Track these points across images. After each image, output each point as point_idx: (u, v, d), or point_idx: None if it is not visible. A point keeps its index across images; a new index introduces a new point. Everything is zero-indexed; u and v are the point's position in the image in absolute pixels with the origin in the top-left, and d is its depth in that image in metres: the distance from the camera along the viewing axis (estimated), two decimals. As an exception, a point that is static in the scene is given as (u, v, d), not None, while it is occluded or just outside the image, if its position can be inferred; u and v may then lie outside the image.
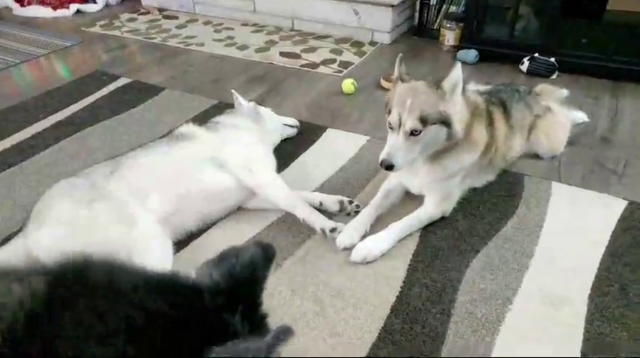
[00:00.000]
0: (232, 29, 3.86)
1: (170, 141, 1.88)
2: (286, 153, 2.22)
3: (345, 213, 1.85)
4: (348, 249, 1.67)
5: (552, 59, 2.92)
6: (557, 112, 2.19)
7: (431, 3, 3.56)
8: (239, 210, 1.89)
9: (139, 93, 2.83)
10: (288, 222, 1.82)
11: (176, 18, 4.15)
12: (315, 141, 2.34)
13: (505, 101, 1.97)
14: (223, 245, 1.76)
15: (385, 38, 3.53)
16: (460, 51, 3.21)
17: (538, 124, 2.12)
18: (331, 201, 1.87)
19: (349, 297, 1.51)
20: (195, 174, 1.77)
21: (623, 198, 1.91)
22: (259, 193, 1.83)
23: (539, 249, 1.68)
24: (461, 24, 3.27)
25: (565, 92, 2.38)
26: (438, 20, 3.56)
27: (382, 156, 1.60)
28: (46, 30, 3.88)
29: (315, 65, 3.20)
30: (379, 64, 3.20)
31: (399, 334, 1.38)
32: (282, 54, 3.38)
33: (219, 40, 3.64)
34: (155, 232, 1.56)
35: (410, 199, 1.90)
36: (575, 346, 1.36)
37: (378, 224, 1.78)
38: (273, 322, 0.64)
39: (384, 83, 2.85)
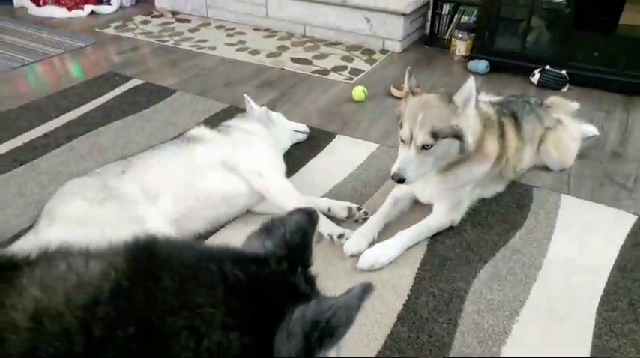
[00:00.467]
0: (244, 34, 3.89)
1: (181, 143, 1.89)
2: (296, 158, 2.23)
3: (353, 220, 1.86)
4: (356, 256, 1.67)
5: (563, 72, 2.92)
6: (568, 125, 2.19)
7: (443, 13, 3.58)
8: (247, 213, 1.90)
9: (150, 95, 2.86)
10: (296, 227, 1.82)
11: (189, 21, 4.19)
12: (324, 148, 2.34)
13: (516, 113, 1.97)
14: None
15: (396, 46, 3.55)
16: (471, 61, 3.22)
17: (548, 136, 2.11)
18: (340, 208, 1.87)
19: (356, 304, 1.50)
20: (206, 176, 1.78)
21: (633, 213, 1.90)
22: (268, 197, 1.84)
23: (547, 262, 1.68)
24: (472, 34, 3.28)
25: (576, 105, 2.38)
26: (450, 30, 3.57)
27: (394, 169, 1.61)
28: (61, 30, 3.92)
29: (326, 72, 3.21)
30: (390, 72, 3.21)
31: (405, 342, 1.38)
32: (293, 60, 3.40)
33: (231, 45, 3.67)
34: (164, 233, 1.57)
35: (418, 208, 1.90)
36: (583, 360, 1.35)
37: (386, 232, 1.78)
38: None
39: (394, 91, 2.86)
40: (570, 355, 1.36)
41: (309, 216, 0.67)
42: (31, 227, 1.61)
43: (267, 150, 2.01)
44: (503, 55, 3.14)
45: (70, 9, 4.27)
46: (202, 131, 1.97)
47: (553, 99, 2.31)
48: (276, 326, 0.51)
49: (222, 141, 1.92)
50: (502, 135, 1.80)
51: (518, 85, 3.00)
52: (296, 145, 2.33)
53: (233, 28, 4.01)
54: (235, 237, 1.81)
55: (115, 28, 4.01)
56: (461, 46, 3.35)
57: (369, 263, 1.63)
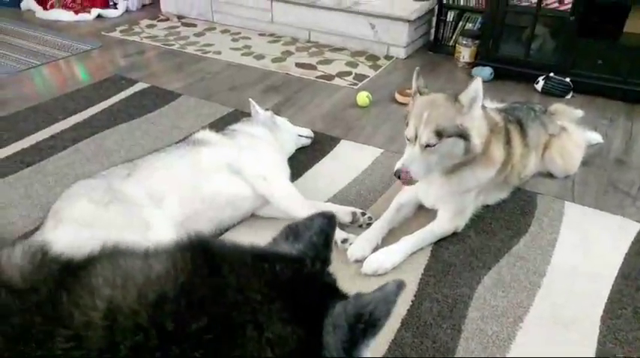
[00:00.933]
0: (249, 39, 3.91)
1: (186, 147, 1.90)
2: (300, 163, 2.24)
3: (357, 225, 1.86)
4: (360, 261, 1.67)
5: (567, 79, 2.93)
6: (572, 132, 2.19)
7: (447, 19, 3.60)
8: (252, 217, 1.90)
9: (156, 98, 2.87)
10: (301, 231, 1.82)
11: (194, 26, 4.21)
12: (328, 152, 2.35)
13: (521, 119, 1.98)
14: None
15: (401, 53, 3.56)
16: (475, 68, 3.23)
17: (553, 144, 2.12)
18: (344, 212, 1.88)
19: (360, 309, 1.51)
20: (211, 180, 1.79)
21: (637, 221, 1.90)
22: (273, 201, 1.84)
23: (551, 268, 1.68)
24: (476, 41, 3.29)
25: (580, 112, 2.38)
26: (454, 37, 3.58)
27: (397, 165, 1.62)
28: (67, 33, 3.95)
29: (330, 77, 3.23)
30: (394, 78, 3.22)
31: (409, 348, 1.38)
32: (298, 65, 3.41)
33: (237, 49, 3.69)
34: (169, 236, 1.58)
35: (422, 213, 1.90)
36: (587, 368, 1.35)
37: (389, 237, 1.79)
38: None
39: (398, 97, 2.87)
40: (574, 362, 1.36)
41: (329, 220, 0.72)
42: (37, 228, 1.62)
43: (272, 154, 2.02)
44: (507, 62, 3.15)
45: (76, 12, 4.31)
46: (208, 135, 1.98)
47: (557, 106, 2.31)
48: (322, 320, 0.55)
49: (228, 145, 1.93)
50: (508, 141, 1.81)
51: (522, 92, 3.00)
52: (300, 150, 2.34)
53: (238, 33, 4.03)
54: (239, 241, 1.81)
55: (121, 31, 4.04)
56: (465, 53, 3.37)
57: (373, 268, 1.63)
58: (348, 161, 2.28)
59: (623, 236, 1.83)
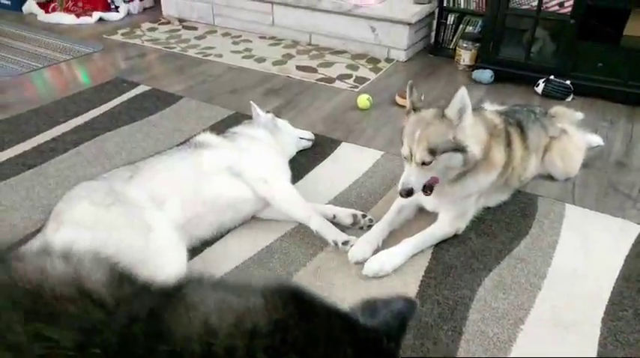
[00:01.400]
0: (250, 41, 3.92)
1: (188, 149, 1.91)
2: (301, 165, 2.24)
3: (358, 227, 1.86)
4: (361, 263, 1.67)
5: (568, 82, 2.93)
6: (573, 135, 2.19)
7: (448, 22, 3.60)
8: (253, 219, 1.91)
9: (157, 101, 2.88)
10: (301, 233, 1.83)
11: (195, 29, 4.23)
12: (329, 155, 2.36)
13: (522, 122, 1.98)
14: (236, 253, 1.78)
15: (401, 55, 3.57)
16: (475, 71, 3.23)
17: (553, 146, 2.12)
18: (345, 215, 1.88)
19: (360, 311, 1.51)
20: (212, 182, 1.79)
21: (638, 223, 1.90)
22: (274, 204, 1.85)
23: (552, 271, 1.68)
24: (477, 44, 3.30)
25: (580, 115, 2.39)
26: (454, 39, 3.59)
27: (400, 186, 1.64)
28: (69, 36, 3.97)
29: (331, 80, 3.23)
30: (395, 81, 3.23)
31: (409, 349, 1.38)
32: (298, 67, 3.42)
33: (238, 52, 3.70)
34: (170, 238, 1.58)
35: (423, 215, 1.90)
36: (588, 370, 1.35)
37: (390, 239, 1.79)
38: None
39: (399, 100, 2.88)
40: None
41: (410, 305, 0.73)
42: (38, 230, 1.62)
43: (273, 156, 2.02)
44: (507, 64, 3.15)
45: (78, 15, 4.32)
46: (209, 137, 1.99)
47: (557, 109, 2.32)
48: None
49: (229, 148, 1.94)
50: (508, 144, 1.81)
51: (522, 95, 3.01)
52: (301, 152, 2.34)
53: (239, 36, 4.05)
54: (240, 243, 1.82)
55: (123, 34, 4.05)
56: (465, 56, 3.37)
57: (374, 270, 1.63)
58: (349, 163, 2.29)
59: (623, 238, 1.83)
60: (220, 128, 2.35)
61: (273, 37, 4.01)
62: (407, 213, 1.90)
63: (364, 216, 1.88)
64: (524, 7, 3.00)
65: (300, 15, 3.84)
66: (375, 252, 1.71)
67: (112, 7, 4.49)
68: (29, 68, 3.33)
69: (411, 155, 1.61)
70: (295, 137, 2.31)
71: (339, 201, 2.02)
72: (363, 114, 2.78)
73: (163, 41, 3.92)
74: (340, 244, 1.73)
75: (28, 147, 2.37)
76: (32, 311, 0.53)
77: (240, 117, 2.63)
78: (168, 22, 4.38)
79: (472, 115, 1.61)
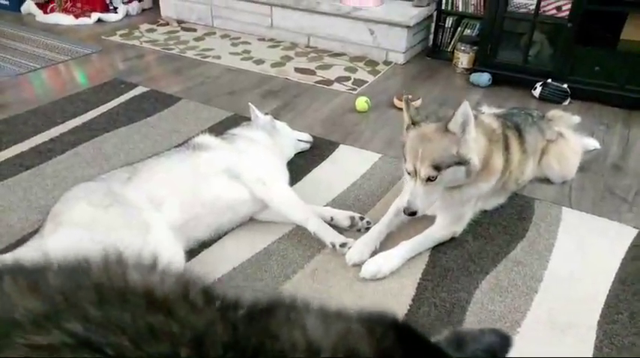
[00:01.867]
0: (249, 43, 3.93)
1: (186, 151, 1.91)
2: (299, 167, 2.25)
3: (355, 229, 1.87)
4: (358, 266, 1.68)
5: (565, 85, 2.95)
6: (569, 138, 2.20)
7: (446, 25, 3.62)
8: (251, 221, 1.91)
9: (155, 102, 2.88)
10: (299, 235, 1.83)
11: (194, 30, 4.23)
12: (327, 157, 2.36)
13: (519, 125, 1.99)
14: (234, 255, 1.78)
15: (399, 58, 3.58)
16: (473, 74, 3.24)
17: (550, 149, 2.13)
18: (342, 217, 1.88)
19: (358, 313, 1.51)
20: (210, 184, 1.79)
21: (634, 227, 1.91)
22: (272, 206, 1.85)
23: (549, 274, 1.69)
24: (475, 47, 3.31)
25: (577, 119, 2.40)
26: (452, 42, 3.61)
27: (404, 203, 1.64)
28: (67, 37, 3.97)
29: (329, 82, 3.24)
30: (393, 84, 3.24)
31: (406, 352, 1.38)
32: (297, 70, 3.43)
33: (236, 54, 3.71)
34: (168, 240, 1.59)
35: (421, 218, 1.91)
36: (584, 372, 1.35)
37: (388, 241, 1.79)
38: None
39: (397, 102, 2.89)
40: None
41: (503, 340, 0.69)
42: (36, 231, 1.62)
43: (271, 158, 2.02)
44: (505, 68, 3.16)
45: (76, 16, 4.32)
46: (207, 139, 1.99)
47: (554, 112, 2.33)
48: None
49: (227, 149, 1.94)
50: (506, 147, 1.82)
51: (519, 98, 3.02)
52: (299, 154, 2.35)
53: (238, 38, 4.05)
54: (238, 245, 1.81)
55: (121, 35, 4.05)
56: (463, 59, 3.39)
57: (371, 272, 1.64)
58: (347, 166, 2.29)
59: (619, 241, 1.84)
60: (219, 130, 2.35)
61: (271, 39, 4.01)
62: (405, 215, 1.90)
63: (362, 219, 1.88)
64: (521, 10, 3.02)
65: (299, 17, 3.85)
66: (373, 254, 1.71)
67: (111, 8, 4.49)
68: (27, 69, 3.33)
69: (416, 171, 1.61)
70: (293, 139, 2.31)
71: (336, 203, 2.02)
72: (361, 117, 2.79)
73: (162, 42, 3.92)
74: (338, 246, 1.74)
75: (26, 147, 2.37)
76: (150, 309, 0.53)
77: (239, 119, 2.63)
78: (167, 24, 4.38)
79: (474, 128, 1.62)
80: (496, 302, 1.57)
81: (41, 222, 1.62)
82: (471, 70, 3.32)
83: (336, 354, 0.52)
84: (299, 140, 2.34)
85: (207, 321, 0.52)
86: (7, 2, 4.59)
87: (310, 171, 2.25)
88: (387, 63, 3.59)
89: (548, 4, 2.92)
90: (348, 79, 3.30)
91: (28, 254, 1.47)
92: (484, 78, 3.17)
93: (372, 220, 1.88)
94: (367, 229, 1.84)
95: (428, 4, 3.66)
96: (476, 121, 1.65)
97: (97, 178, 1.75)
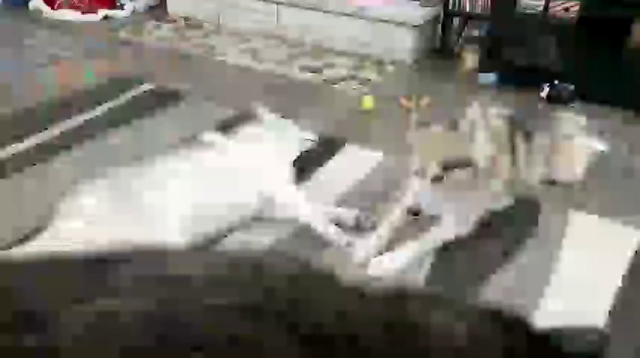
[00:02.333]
0: (255, 41, 3.92)
1: (191, 148, 1.91)
2: (304, 166, 2.24)
3: (360, 229, 1.86)
4: (363, 265, 1.67)
5: (572, 87, 2.93)
6: (577, 140, 2.19)
7: (453, 25, 3.61)
8: (256, 219, 1.91)
9: (161, 99, 2.88)
10: (304, 233, 1.83)
11: (201, 28, 4.23)
12: (333, 156, 2.36)
13: (526, 126, 1.98)
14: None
15: (406, 58, 3.57)
16: (480, 74, 3.23)
17: (557, 151, 2.11)
18: (348, 216, 1.88)
19: (363, 313, 1.51)
20: (215, 181, 1.79)
21: (641, 229, 1.90)
22: (277, 204, 1.85)
23: (555, 276, 1.68)
24: (482, 48, 3.30)
25: (584, 120, 2.38)
26: (460, 43, 3.59)
27: (409, 203, 1.63)
28: (74, 33, 3.97)
29: (335, 81, 3.24)
30: (399, 83, 3.23)
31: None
32: (303, 68, 3.42)
33: (242, 52, 3.71)
34: (174, 237, 1.59)
35: (427, 219, 1.90)
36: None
37: (393, 241, 1.79)
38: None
39: (403, 102, 2.88)
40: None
41: (601, 338, 0.66)
42: (40, 228, 1.62)
43: (277, 157, 2.02)
44: (512, 68, 3.15)
45: (83, 12, 4.32)
46: (213, 137, 1.99)
47: (562, 113, 2.31)
48: None
49: (233, 147, 1.94)
50: (513, 149, 1.81)
51: (526, 99, 3.01)
52: (305, 153, 2.33)
53: (244, 36, 4.05)
54: (242, 243, 1.80)
55: (128, 32, 4.05)
56: (470, 59, 3.37)
57: (377, 272, 1.63)
58: (353, 164, 2.29)
59: (627, 244, 1.83)
60: (225, 127, 2.35)
61: (278, 38, 4.01)
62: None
63: (367, 218, 1.88)
64: (529, 11, 3.00)
65: (306, 16, 3.84)
66: (378, 254, 1.71)
67: (118, 4, 4.49)
68: (34, 64, 3.33)
69: (423, 170, 1.60)
70: (299, 138, 2.31)
71: (342, 202, 2.02)
72: (367, 116, 2.78)
73: (168, 39, 3.92)
74: (343, 245, 1.73)
75: (32, 143, 2.38)
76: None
77: (244, 117, 2.62)
78: (174, 21, 4.38)
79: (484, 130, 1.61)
80: (502, 305, 1.56)
81: (47, 218, 1.62)
82: (477, 71, 3.31)
83: (471, 344, 0.51)
84: (304, 139, 2.34)
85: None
86: (15, -2, 4.60)
87: (316, 170, 2.25)
88: (393, 62, 3.57)
89: (556, 5, 2.91)
90: (354, 78, 3.30)
91: (36, 249, 1.48)
92: (491, 78, 3.16)
93: (378, 220, 1.87)
94: (372, 229, 1.84)
95: (435, 4, 3.65)
96: (486, 125, 1.64)
97: (104, 174, 1.75)
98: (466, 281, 1.64)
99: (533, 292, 1.61)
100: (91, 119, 2.63)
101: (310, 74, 3.33)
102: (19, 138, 2.40)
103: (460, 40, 3.59)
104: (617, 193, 2.14)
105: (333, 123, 2.69)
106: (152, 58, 3.58)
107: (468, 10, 3.51)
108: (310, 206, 1.84)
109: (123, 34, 4.00)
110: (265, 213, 1.91)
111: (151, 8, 4.71)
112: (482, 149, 1.61)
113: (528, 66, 3.11)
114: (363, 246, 1.72)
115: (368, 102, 2.82)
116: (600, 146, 2.44)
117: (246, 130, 2.12)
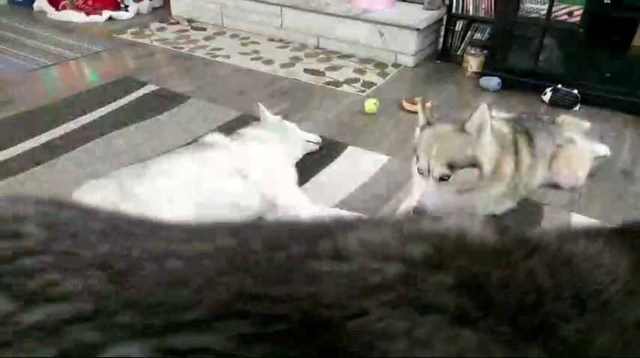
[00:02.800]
0: (258, 43, 3.94)
1: (195, 150, 1.92)
2: (307, 168, 2.25)
3: (363, 231, 1.86)
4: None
5: (575, 91, 2.93)
6: (579, 144, 2.19)
7: (456, 29, 3.61)
8: (259, 220, 1.91)
9: (165, 100, 2.90)
10: (307, 235, 1.83)
11: (204, 29, 4.25)
12: (336, 158, 2.36)
13: (529, 130, 1.98)
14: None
15: (409, 61, 3.58)
16: (483, 78, 3.24)
17: (560, 154, 2.12)
18: (350, 218, 1.88)
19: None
20: (219, 182, 1.80)
21: (644, 234, 1.90)
22: (280, 206, 1.85)
23: (557, 279, 1.68)
24: (485, 51, 3.31)
25: (587, 124, 2.39)
26: (462, 46, 3.60)
27: (414, 202, 1.63)
28: (78, 34, 3.99)
29: (338, 83, 3.25)
30: (402, 86, 3.24)
31: None
32: (306, 71, 3.44)
33: (246, 54, 3.72)
34: (177, 237, 1.59)
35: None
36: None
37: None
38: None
39: (406, 105, 2.88)
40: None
41: None
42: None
43: (280, 158, 2.03)
44: (515, 72, 3.16)
45: (88, 14, 4.35)
46: (216, 138, 2.00)
47: (564, 117, 2.32)
48: None
49: (236, 149, 1.95)
50: (516, 152, 1.81)
51: (529, 103, 3.01)
52: (308, 155, 2.34)
53: (248, 38, 4.06)
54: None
55: (132, 33, 4.07)
56: (473, 63, 3.38)
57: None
58: (355, 167, 2.29)
59: (629, 248, 1.82)
60: (227, 129, 2.36)
61: (281, 40, 4.02)
62: (413, 218, 1.90)
63: (370, 220, 1.88)
64: (532, 15, 3.01)
65: (309, 18, 3.85)
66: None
67: (122, 6, 4.52)
68: (38, 65, 3.35)
69: (429, 170, 1.60)
70: (302, 140, 2.32)
71: (345, 204, 2.02)
72: (370, 119, 2.79)
73: (172, 41, 3.94)
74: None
75: (37, 143, 2.39)
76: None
77: (248, 118, 2.64)
78: (177, 23, 4.41)
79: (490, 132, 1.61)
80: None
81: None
82: (480, 74, 3.31)
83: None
84: (308, 141, 2.34)
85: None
86: (20, -1, 4.63)
87: (318, 172, 2.25)
88: (396, 65, 3.59)
89: (559, 9, 2.91)
90: (357, 80, 3.30)
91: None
92: (494, 82, 3.16)
93: (381, 222, 1.87)
94: (375, 231, 1.83)
95: (438, 8, 3.66)
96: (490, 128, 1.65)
97: (108, 175, 1.76)
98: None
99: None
100: (94, 120, 2.64)
101: (313, 76, 3.34)
102: (23, 139, 2.41)
103: (463, 44, 3.60)
104: (620, 197, 2.14)
105: (336, 126, 2.70)
106: (156, 60, 3.59)
107: (471, 13, 3.51)
108: (313, 208, 1.84)
109: (127, 36, 4.02)
110: (268, 214, 1.92)
111: (155, 10, 4.74)
112: (487, 150, 1.61)
113: (531, 70, 3.12)
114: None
115: (371, 104, 2.82)
116: (603, 150, 2.45)
117: (250, 132, 2.13)
